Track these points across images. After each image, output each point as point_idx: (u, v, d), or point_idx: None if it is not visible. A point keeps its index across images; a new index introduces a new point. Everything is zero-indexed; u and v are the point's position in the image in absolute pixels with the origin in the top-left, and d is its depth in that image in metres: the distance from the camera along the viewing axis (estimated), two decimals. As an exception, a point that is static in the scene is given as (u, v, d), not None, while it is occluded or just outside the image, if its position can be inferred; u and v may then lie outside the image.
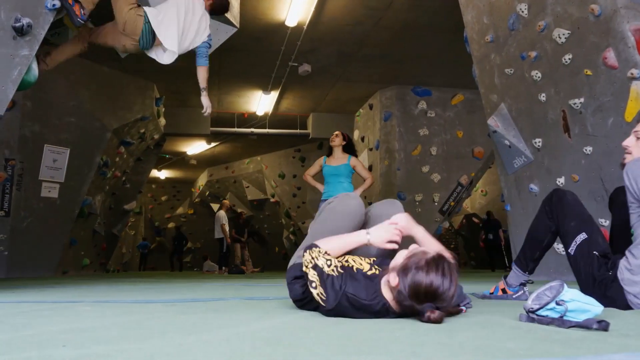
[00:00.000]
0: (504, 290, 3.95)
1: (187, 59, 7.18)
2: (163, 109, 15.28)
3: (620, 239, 3.18)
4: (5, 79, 5.12)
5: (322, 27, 11.13)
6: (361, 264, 2.63)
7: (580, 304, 2.31)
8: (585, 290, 2.89)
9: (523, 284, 3.84)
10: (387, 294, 2.43)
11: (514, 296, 3.89)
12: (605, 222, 6.50)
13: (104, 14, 6.55)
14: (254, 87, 14.94)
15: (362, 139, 15.98)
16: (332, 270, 2.49)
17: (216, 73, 13.66)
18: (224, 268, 17.21)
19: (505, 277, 4.02)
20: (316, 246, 2.66)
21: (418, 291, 2.29)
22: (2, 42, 5.03)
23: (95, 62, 12.15)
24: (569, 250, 3.10)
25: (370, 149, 15.10)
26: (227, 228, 17.01)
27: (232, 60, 12.83)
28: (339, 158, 8.08)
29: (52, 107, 11.32)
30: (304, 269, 2.60)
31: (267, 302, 3.99)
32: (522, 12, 7.51)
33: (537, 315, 2.36)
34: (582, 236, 3.05)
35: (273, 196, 23.07)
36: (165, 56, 6.76)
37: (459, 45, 10.57)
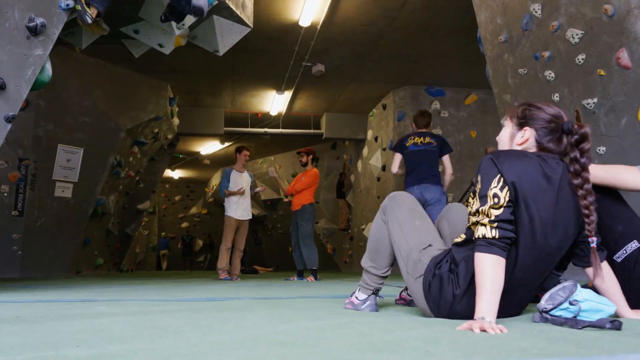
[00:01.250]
0: None
1: (202, 58, 7.19)
2: (177, 109, 15.30)
3: None
4: (19, 78, 5.16)
5: (335, 27, 11.14)
6: None
7: (594, 303, 2.32)
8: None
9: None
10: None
11: None
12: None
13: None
14: (267, 87, 14.96)
15: (376, 139, 15.98)
16: None
17: (230, 73, 13.70)
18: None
19: None
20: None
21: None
22: (16, 42, 5.07)
23: (109, 62, 12.17)
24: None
25: (384, 149, 15.10)
26: None
27: (246, 60, 12.86)
28: None
29: (66, 107, 11.32)
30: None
31: (281, 301, 4.01)
32: (536, 12, 7.50)
33: (550, 315, 2.37)
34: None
35: (286, 196, 23.07)
36: None
37: (472, 45, 10.58)
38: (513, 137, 2.65)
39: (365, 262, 3.11)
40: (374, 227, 3.03)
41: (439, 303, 2.51)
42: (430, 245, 2.72)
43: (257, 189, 11.04)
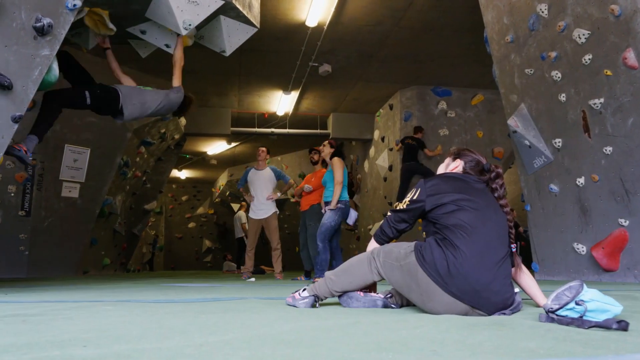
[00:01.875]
0: None
1: (209, 59, 7.21)
2: (183, 109, 15.24)
3: None
4: (26, 78, 5.17)
5: (342, 28, 11.15)
6: None
7: (600, 304, 2.33)
8: None
9: None
10: None
11: None
12: (625, 222, 6.48)
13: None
14: (274, 87, 14.97)
15: (383, 139, 15.98)
16: None
17: (236, 73, 13.73)
18: (242, 267, 17.37)
19: None
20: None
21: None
22: (23, 42, 5.08)
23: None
24: None
25: (391, 149, 15.10)
26: (247, 227, 17.20)
27: (253, 61, 12.88)
28: None
29: None
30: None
31: None
32: (542, 12, 7.50)
33: (556, 315, 2.38)
34: None
35: (293, 196, 23.06)
36: None
37: (479, 45, 10.57)
38: (447, 166, 3.46)
39: (330, 273, 3.42)
40: (361, 263, 3.29)
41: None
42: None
43: (288, 181, 10.89)
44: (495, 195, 3.19)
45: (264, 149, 10.75)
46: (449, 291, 2.73)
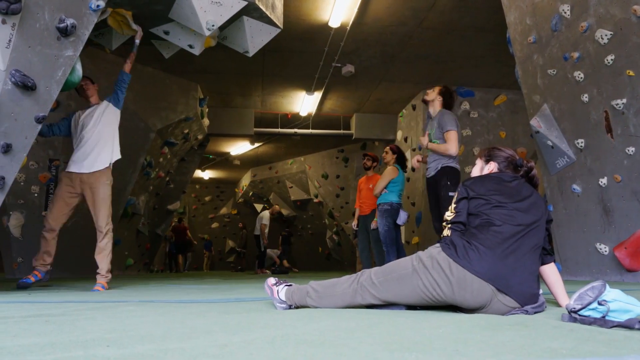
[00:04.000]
0: None
1: (232, 59, 7.25)
2: (207, 110, 15.33)
3: None
4: (49, 79, 5.23)
5: (365, 28, 11.18)
6: None
7: (623, 304, 2.33)
8: None
9: None
10: None
11: None
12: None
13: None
14: (297, 87, 15.03)
15: (405, 139, 15.96)
16: None
17: (260, 74, 13.79)
18: (260, 269, 17.58)
19: None
20: None
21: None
22: (47, 43, 5.14)
23: (139, 63, 12.14)
24: None
25: (414, 150, 15.08)
26: (266, 230, 17.36)
27: (276, 61, 12.95)
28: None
29: None
30: None
31: None
32: (565, 13, 7.48)
33: (579, 315, 2.38)
34: None
35: (316, 196, 23.07)
36: None
37: (501, 46, 10.54)
38: (482, 170, 3.62)
39: (314, 284, 3.35)
40: (344, 291, 3.24)
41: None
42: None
43: None
44: (534, 183, 3.44)
45: None
46: (478, 273, 2.82)
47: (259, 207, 26.39)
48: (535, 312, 2.87)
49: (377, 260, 9.51)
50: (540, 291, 3.01)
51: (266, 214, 18.13)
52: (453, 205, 3.29)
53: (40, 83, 5.12)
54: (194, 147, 16.36)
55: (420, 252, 3.10)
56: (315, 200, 23.32)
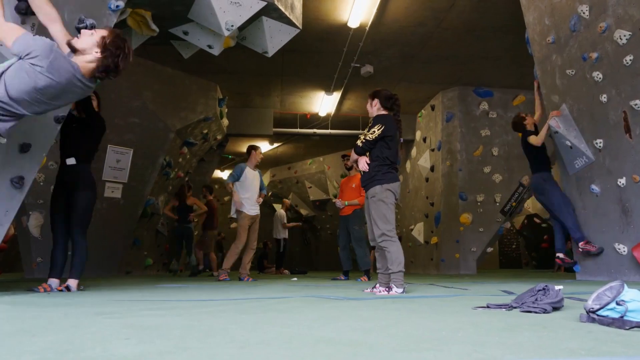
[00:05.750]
0: None
1: (252, 59, 7.28)
2: (226, 110, 15.36)
3: None
4: (68, 79, 5.28)
5: (384, 28, 11.19)
6: None
7: (641, 304, 2.33)
8: None
9: None
10: None
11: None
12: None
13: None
14: (316, 88, 15.08)
15: (424, 139, 15.97)
16: None
17: (279, 74, 13.85)
18: (280, 268, 17.65)
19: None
20: None
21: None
22: (66, 43, 5.20)
23: (158, 63, 12.30)
24: None
25: (432, 150, 15.09)
26: (285, 221, 17.66)
27: (295, 61, 13.00)
28: None
29: (116, 107, 11.24)
30: None
31: (328, 302, 4.02)
32: (584, 13, 7.47)
33: (597, 315, 2.38)
34: None
35: (335, 196, 23.08)
36: None
37: (520, 46, 10.52)
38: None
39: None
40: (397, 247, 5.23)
41: None
42: None
43: (262, 193, 10.65)
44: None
45: (261, 154, 10.90)
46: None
47: (278, 207, 26.45)
48: (553, 309, 2.87)
49: (358, 259, 9.95)
50: (560, 287, 3.02)
51: (282, 212, 18.28)
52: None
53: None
54: (213, 147, 16.39)
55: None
56: (334, 200, 23.26)
